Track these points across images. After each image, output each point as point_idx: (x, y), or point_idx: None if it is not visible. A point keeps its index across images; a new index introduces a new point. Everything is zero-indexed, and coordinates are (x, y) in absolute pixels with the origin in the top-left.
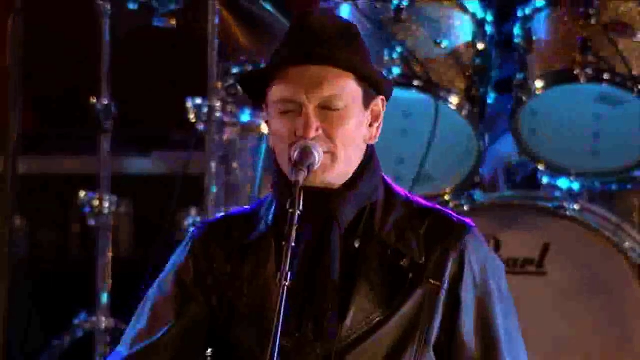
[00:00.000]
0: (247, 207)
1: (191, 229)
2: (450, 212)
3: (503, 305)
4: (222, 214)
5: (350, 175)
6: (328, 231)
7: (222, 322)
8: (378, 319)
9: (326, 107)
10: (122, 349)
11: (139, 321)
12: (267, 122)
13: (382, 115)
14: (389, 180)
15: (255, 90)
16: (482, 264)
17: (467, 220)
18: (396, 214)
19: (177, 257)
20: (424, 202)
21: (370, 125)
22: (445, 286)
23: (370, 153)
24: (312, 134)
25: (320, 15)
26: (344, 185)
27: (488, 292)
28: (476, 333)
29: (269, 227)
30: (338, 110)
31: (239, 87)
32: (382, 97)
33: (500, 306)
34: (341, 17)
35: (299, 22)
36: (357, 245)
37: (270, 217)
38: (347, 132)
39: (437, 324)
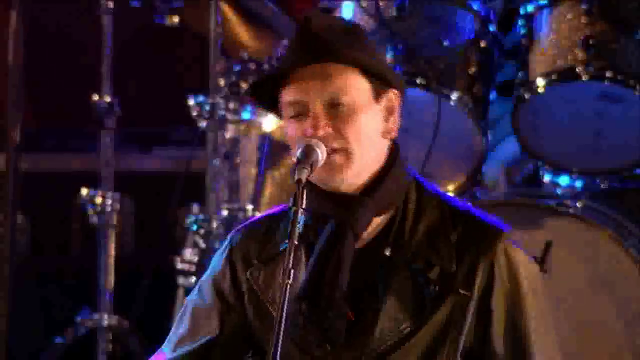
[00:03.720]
0: (279, 208)
1: (230, 233)
2: (485, 215)
3: (535, 309)
4: (260, 215)
5: (369, 177)
6: (342, 238)
7: (256, 327)
8: (408, 329)
9: (333, 104)
10: (166, 349)
11: (181, 325)
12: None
13: (398, 108)
14: (422, 179)
15: (268, 99)
16: (513, 271)
17: (501, 223)
18: (427, 220)
19: (215, 262)
20: (458, 202)
21: (386, 119)
22: (475, 296)
23: (394, 153)
24: (321, 132)
25: (324, 17)
26: (363, 190)
27: (520, 299)
28: (508, 341)
29: (299, 234)
30: (345, 105)
31: (242, 85)
32: (394, 90)
33: (532, 312)
34: (345, 19)
35: (302, 25)
36: (387, 253)
37: (301, 224)
38: (358, 127)
39: (466, 333)
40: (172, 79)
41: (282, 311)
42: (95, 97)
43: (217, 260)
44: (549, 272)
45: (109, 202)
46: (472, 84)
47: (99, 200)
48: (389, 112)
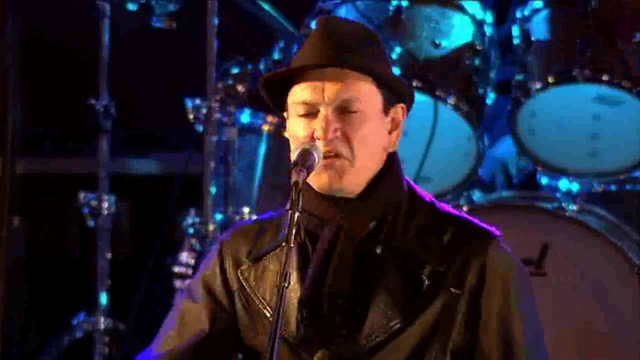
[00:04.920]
0: (276, 211)
1: (220, 234)
2: (476, 220)
3: (526, 312)
4: (254, 218)
5: (366, 183)
6: (339, 241)
7: (247, 326)
8: (397, 326)
9: (344, 110)
10: (153, 349)
11: (169, 325)
12: (287, 125)
13: (403, 123)
14: (415, 185)
15: (276, 95)
16: (504, 274)
17: (492, 228)
18: (419, 221)
19: (206, 262)
20: (449, 209)
21: (390, 132)
22: (466, 295)
23: (391, 161)
24: (330, 135)
25: (343, 21)
26: (359, 195)
27: (510, 301)
28: (497, 343)
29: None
30: (356, 112)
31: (239, 88)
32: (402, 105)
33: (522, 314)
34: (364, 26)
35: (321, 26)
36: (378, 251)
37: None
38: (365, 135)
39: (455, 332)
40: (168, 82)
41: (279, 315)
42: (93, 100)
43: (207, 261)
44: (545, 274)
45: (106, 205)
46: (469, 87)
47: (95, 203)
48: (394, 126)
